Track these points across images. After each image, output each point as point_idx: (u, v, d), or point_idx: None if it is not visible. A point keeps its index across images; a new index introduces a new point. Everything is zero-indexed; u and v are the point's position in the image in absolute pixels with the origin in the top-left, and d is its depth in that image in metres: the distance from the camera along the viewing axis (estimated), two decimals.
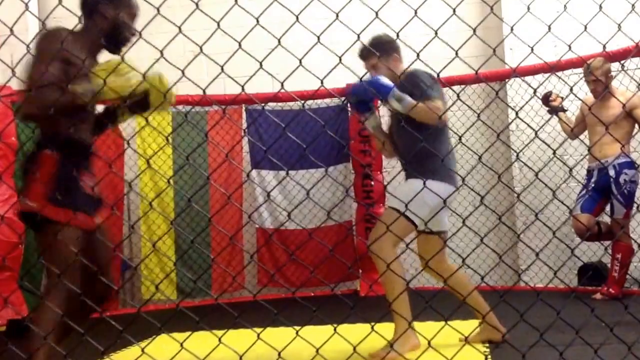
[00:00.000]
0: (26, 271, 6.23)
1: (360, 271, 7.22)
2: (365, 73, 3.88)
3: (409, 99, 3.62)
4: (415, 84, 3.73)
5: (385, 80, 3.72)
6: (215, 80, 2.47)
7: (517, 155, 2.96)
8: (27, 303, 6.08)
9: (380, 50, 3.90)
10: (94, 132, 3.35)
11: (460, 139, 2.48)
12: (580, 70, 5.95)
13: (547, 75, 6.06)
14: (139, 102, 3.05)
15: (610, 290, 5.68)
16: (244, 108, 7.48)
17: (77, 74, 2.84)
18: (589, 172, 5.91)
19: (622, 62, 5.68)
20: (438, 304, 2.69)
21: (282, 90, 2.57)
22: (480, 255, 6.41)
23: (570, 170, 2.86)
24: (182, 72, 2.10)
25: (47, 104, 2.80)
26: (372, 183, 7.15)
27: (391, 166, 7.47)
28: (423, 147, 3.33)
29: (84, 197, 3.14)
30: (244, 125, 7.52)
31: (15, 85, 5.50)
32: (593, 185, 5.80)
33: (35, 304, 6.22)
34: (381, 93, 3.66)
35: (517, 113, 2.90)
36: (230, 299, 7.29)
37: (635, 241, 5.76)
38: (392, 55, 4.05)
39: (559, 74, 6.02)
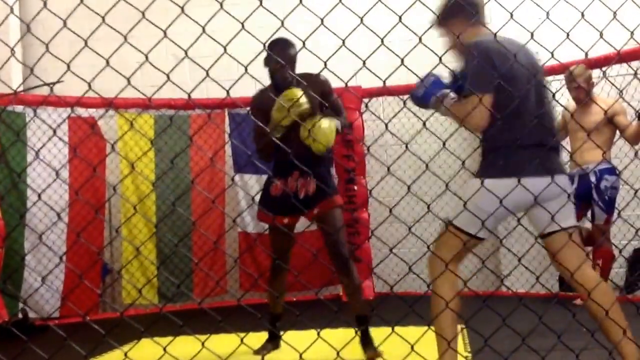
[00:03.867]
0: (8, 275, 6.19)
1: None
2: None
3: (447, 99, 3.16)
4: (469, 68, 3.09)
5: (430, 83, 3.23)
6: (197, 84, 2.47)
7: (501, 160, 2.98)
8: (8, 307, 6.02)
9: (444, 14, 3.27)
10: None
11: (444, 144, 2.50)
12: (561, 76, 5.98)
13: None
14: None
15: None
16: (226, 112, 7.46)
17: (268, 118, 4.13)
18: (570, 178, 5.94)
19: (603, 69, 5.72)
20: (421, 308, 2.70)
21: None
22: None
23: (552, 176, 2.88)
24: (167, 76, 2.10)
25: (258, 149, 4.37)
26: (356, 188, 7.15)
27: (375, 171, 7.48)
28: (486, 137, 3.07)
29: (271, 201, 4.32)
30: (227, 129, 7.50)
31: None
32: (574, 191, 5.83)
33: (15, 309, 6.18)
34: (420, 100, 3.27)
35: (499, 118, 2.91)
36: (212, 303, 7.26)
37: (616, 247, 5.79)
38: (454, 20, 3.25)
39: None
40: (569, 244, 3.00)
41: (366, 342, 4.08)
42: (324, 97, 4.09)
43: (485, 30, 3.16)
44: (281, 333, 4.45)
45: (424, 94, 3.22)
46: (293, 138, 4.08)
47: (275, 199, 4.30)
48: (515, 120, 2.94)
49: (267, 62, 4.26)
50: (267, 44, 4.18)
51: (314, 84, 4.08)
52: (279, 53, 4.15)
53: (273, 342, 4.45)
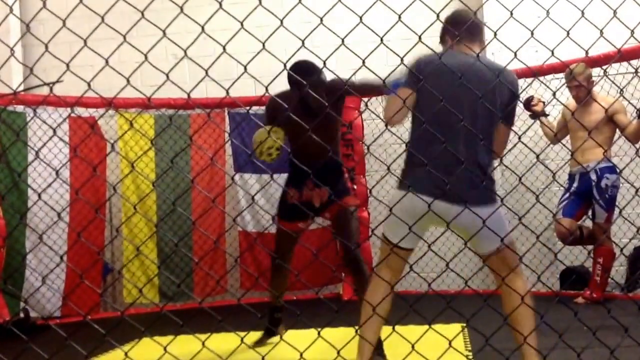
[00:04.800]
0: (8, 275, 6.19)
1: (343, 275, 7.21)
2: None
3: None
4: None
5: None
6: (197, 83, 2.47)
7: (501, 160, 2.99)
8: (9, 307, 6.03)
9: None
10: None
11: (444, 142, 2.50)
12: (561, 75, 5.98)
13: (529, 80, 6.09)
14: None
15: (593, 294, 5.72)
16: (226, 112, 7.46)
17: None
18: (571, 176, 5.94)
19: (604, 67, 5.72)
20: (421, 308, 2.70)
21: (267, 94, 2.57)
22: (462, 259, 6.43)
23: (554, 174, 2.88)
24: (167, 75, 2.10)
25: None
26: (355, 187, 7.14)
27: (374, 170, 7.48)
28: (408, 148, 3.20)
29: (289, 208, 4.44)
30: (227, 129, 7.50)
31: None
32: (575, 189, 5.84)
33: (17, 308, 6.19)
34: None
35: (500, 117, 2.91)
36: (212, 302, 7.27)
37: (617, 245, 5.80)
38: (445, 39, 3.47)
39: (541, 78, 6.04)
40: (500, 261, 3.20)
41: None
42: (341, 97, 4.31)
43: (463, 49, 3.29)
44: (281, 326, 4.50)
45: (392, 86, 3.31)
46: (303, 148, 4.11)
47: (293, 205, 4.39)
48: (431, 135, 2.97)
49: (295, 85, 4.28)
50: (292, 72, 4.15)
51: (329, 93, 4.18)
52: (304, 78, 4.04)
53: (269, 332, 4.57)
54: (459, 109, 2.98)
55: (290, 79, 4.29)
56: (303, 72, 4.13)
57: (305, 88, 4.09)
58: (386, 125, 2.63)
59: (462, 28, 3.24)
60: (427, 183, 3.02)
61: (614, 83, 4.87)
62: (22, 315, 6.15)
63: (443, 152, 2.92)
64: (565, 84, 5.75)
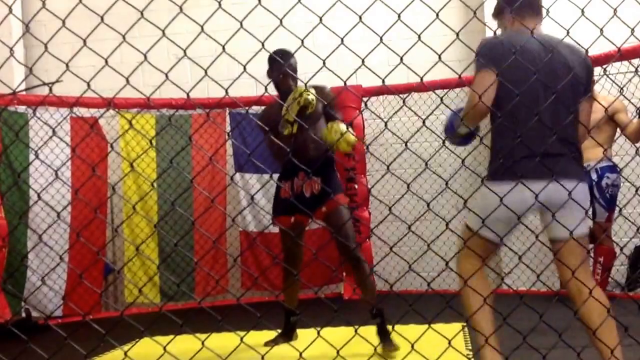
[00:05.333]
0: (10, 274, 6.19)
1: (344, 274, 7.21)
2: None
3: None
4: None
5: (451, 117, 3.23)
6: (199, 83, 2.47)
7: (501, 159, 2.98)
8: (11, 306, 6.03)
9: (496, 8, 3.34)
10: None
11: (444, 142, 2.50)
12: None
13: None
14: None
15: None
16: (227, 111, 7.47)
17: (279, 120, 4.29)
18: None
19: (604, 66, 5.72)
20: (421, 307, 2.70)
21: (266, 94, 2.57)
22: None
23: (554, 174, 2.87)
24: (166, 75, 2.10)
25: (275, 156, 4.63)
26: (356, 186, 7.15)
27: (375, 169, 7.48)
28: (492, 138, 3.07)
29: (281, 203, 4.60)
30: (228, 129, 7.51)
31: None
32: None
33: (19, 307, 6.19)
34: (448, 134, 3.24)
35: (500, 116, 2.91)
36: (214, 302, 7.28)
37: (617, 244, 5.79)
38: (503, 14, 3.29)
39: None
40: (574, 253, 3.00)
41: (383, 335, 4.05)
42: (329, 109, 4.43)
43: (527, 26, 3.08)
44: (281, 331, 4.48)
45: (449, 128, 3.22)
46: (299, 142, 4.29)
47: (285, 200, 4.51)
48: (517, 123, 2.88)
49: (271, 73, 4.46)
50: (268, 57, 4.36)
51: (322, 94, 4.35)
52: (282, 64, 4.32)
53: (285, 335, 4.52)
54: (543, 90, 2.92)
55: (271, 61, 4.44)
56: (272, 60, 4.38)
57: (274, 74, 4.41)
58: (386, 125, 2.62)
59: (524, 3, 3.07)
60: (532, 168, 2.87)
61: (614, 82, 4.86)
62: (24, 315, 6.15)
63: (538, 135, 2.87)
64: None
